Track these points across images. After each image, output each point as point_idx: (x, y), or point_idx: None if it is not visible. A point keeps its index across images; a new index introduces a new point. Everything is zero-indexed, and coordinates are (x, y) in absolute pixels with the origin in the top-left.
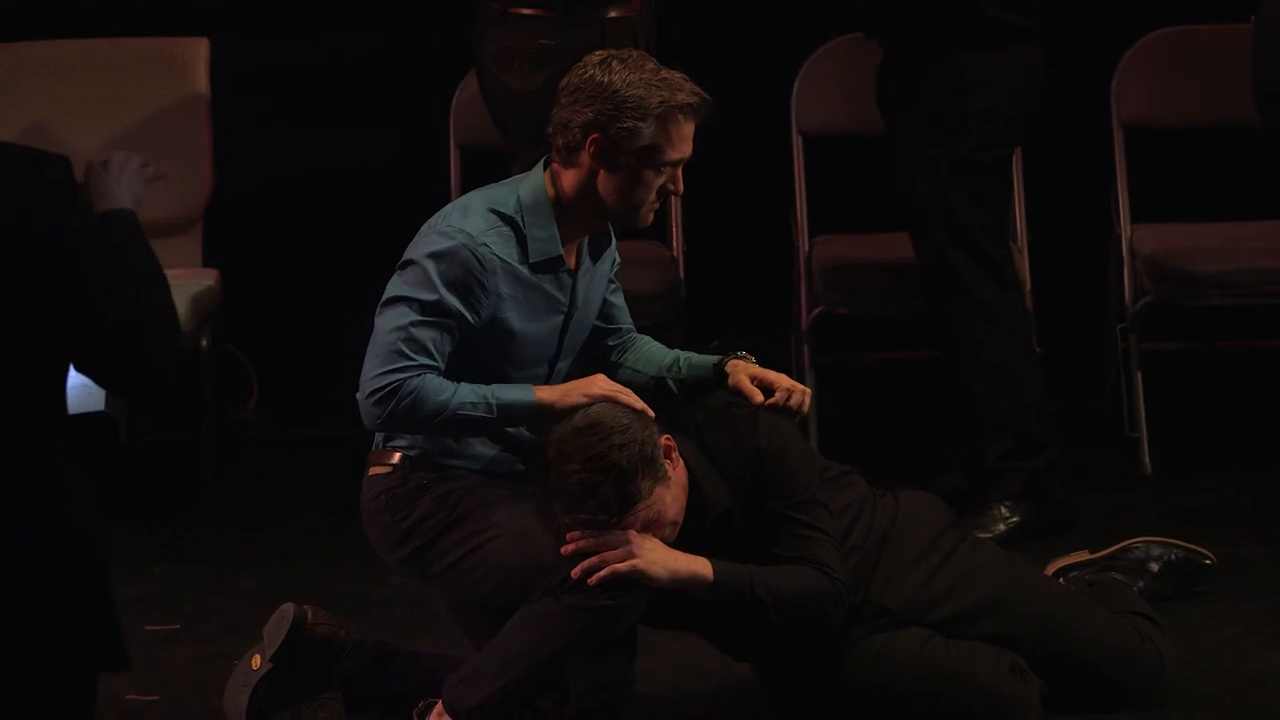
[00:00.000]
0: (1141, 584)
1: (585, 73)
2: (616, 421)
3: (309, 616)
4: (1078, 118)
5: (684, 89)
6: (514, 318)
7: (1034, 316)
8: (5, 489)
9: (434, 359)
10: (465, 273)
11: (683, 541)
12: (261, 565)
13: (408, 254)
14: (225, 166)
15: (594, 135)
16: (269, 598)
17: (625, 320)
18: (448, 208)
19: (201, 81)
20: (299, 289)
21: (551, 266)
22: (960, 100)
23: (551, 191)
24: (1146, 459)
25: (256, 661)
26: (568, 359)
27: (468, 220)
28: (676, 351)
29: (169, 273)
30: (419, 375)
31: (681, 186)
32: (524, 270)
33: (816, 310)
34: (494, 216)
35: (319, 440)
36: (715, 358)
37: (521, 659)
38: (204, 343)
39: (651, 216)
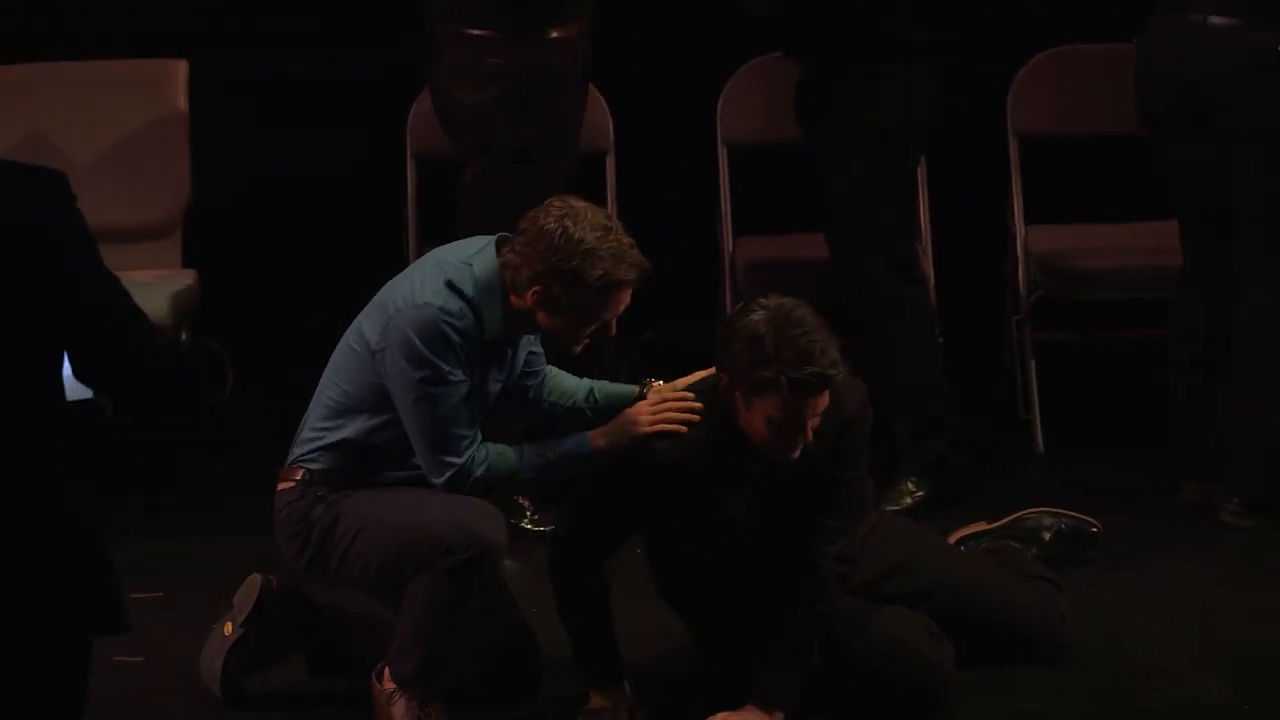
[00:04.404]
0: (1035, 551)
1: (545, 223)
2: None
3: (274, 585)
4: (976, 128)
5: (625, 261)
6: (474, 381)
7: (937, 309)
8: (9, 469)
9: (474, 423)
10: (449, 342)
11: (727, 480)
12: (238, 538)
13: (392, 334)
14: (202, 175)
15: (537, 287)
16: (245, 568)
17: (542, 362)
18: (414, 283)
19: (180, 99)
20: (271, 285)
21: (500, 342)
22: (874, 110)
23: (503, 276)
24: (1039, 438)
25: (229, 628)
26: (488, 415)
27: (437, 296)
28: (588, 382)
29: (152, 274)
30: (479, 447)
31: (614, 330)
32: (480, 342)
33: (739, 304)
34: (455, 296)
35: (289, 423)
36: (633, 388)
37: (424, 628)
38: (183, 336)
39: (581, 348)
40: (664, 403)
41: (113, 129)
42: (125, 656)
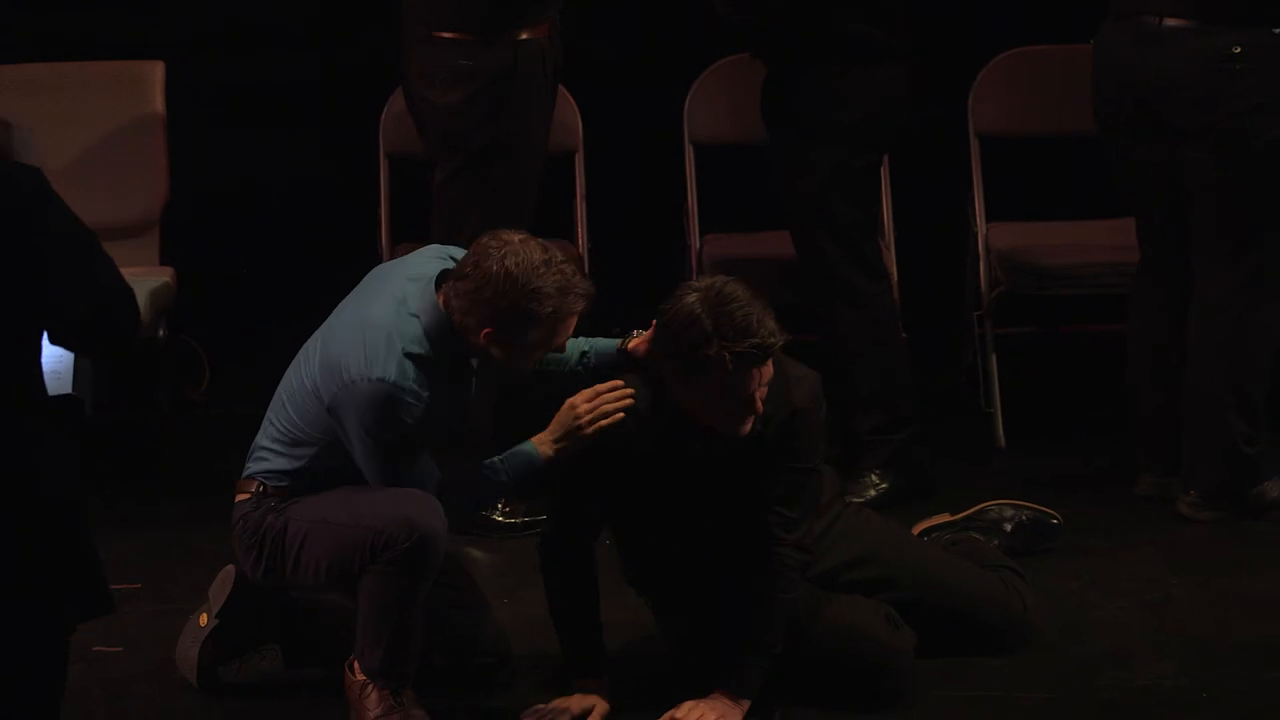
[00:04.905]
0: (996, 542)
1: (487, 265)
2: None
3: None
4: (938, 127)
5: (572, 292)
6: (436, 413)
7: (900, 305)
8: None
9: (432, 469)
10: (405, 413)
11: (668, 463)
12: (214, 530)
13: (346, 402)
14: (179, 174)
15: (488, 329)
16: (222, 560)
17: None
18: (366, 342)
19: (158, 100)
20: (247, 282)
21: (461, 370)
22: (837, 110)
23: (451, 317)
24: (1000, 431)
25: (204, 619)
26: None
27: (390, 369)
28: (581, 342)
29: (130, 271)
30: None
31: (565, 349)
32: (441, 386)
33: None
34: (409, 362)
35: (263, 416)
36: (616, 341)
37: (383, 624)
38: (161, 332)
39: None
40: (598, 396)
41: (90, 129)
42: (104, 647)
